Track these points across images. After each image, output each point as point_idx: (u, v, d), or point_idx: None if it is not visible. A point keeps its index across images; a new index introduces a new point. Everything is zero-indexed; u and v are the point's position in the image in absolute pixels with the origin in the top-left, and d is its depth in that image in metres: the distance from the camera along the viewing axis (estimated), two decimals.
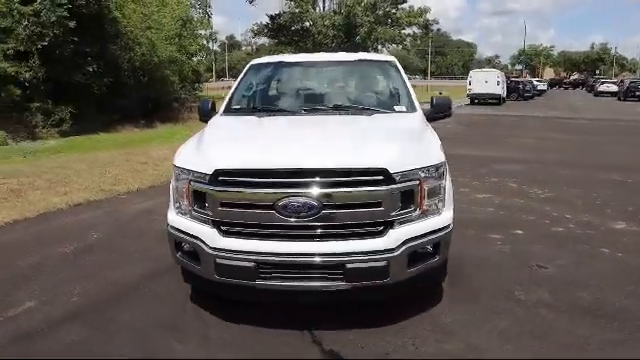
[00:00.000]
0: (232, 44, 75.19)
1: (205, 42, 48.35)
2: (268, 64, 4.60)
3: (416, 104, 3.94)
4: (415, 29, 21.28)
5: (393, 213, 2.71)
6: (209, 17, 48.91)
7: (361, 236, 2.72)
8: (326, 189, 2.64)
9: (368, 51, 22.13)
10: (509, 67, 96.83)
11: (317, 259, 2.68)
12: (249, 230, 2.78)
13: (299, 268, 2.72)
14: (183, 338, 2.89)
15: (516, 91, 32.50)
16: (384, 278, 2.71)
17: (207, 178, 2.79)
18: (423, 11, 20.69)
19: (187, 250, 3.01)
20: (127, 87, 22.20)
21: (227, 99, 4.15)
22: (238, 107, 4.07)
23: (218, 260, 2.80)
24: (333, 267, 2.69)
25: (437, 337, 2.83)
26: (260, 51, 55.15)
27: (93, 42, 19.30)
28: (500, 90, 27.95)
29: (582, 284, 3.50)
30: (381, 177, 2.66)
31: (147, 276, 3.73)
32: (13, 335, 2.94)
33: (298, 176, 2.66)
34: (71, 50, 17.97)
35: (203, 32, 47.88)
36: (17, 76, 16.53)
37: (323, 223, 2.68)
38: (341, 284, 2.71)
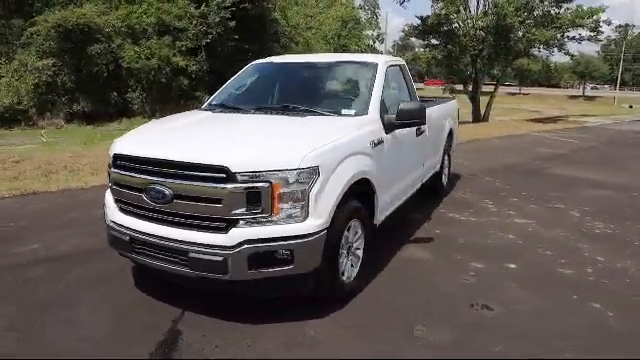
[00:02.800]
0: (405, 45, 75.33)
1: (372, 42, 49.72)
2: (262, 64, 4.79)
3: (371, 109, 3.72)
4: (582, 31, 18.53)
5: (235, 212, 2.72)
6: (377, 18, 49.92)
7: (205, 229, 2.80)
8: (176, 180, 2.82)
9: (521, 55, 20.14)
10: None
11: (167, 243, 2.87)
12: (129, 208, 3.11)
13: (156, 248, 2.95)
14: None
15: None
16: (223, 273, 2.75)
17: (110, 160, 3.22)
18: (594, 11, 17.94)
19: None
20: None
21: (214, 95, 4.51)
22: (214, 102, 4.38)
23: (109, 231, 3.23)
24: (180, 253, 2.84)
25: None
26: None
27: (253, 40, 21.65)
28: None
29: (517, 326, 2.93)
30: (223, 175, 2.71)
31: None
32: None
33: (160, 166, 2.89)
34: (232, 47, 20.51)
35: (370, 32, 49.29)
36: (186, 68, 19.58)
37: (174, 211, 2.86)
38: (188, 271, 2.85)
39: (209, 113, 4.03)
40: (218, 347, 2.79)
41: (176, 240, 2.84)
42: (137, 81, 19.55)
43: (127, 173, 3.05)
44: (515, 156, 9.69)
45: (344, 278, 3.28)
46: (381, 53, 58.05)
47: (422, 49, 23.98)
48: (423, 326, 3.04)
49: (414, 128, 4.44)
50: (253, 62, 4.83)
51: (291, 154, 2.81)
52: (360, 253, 3.51)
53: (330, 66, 4.47)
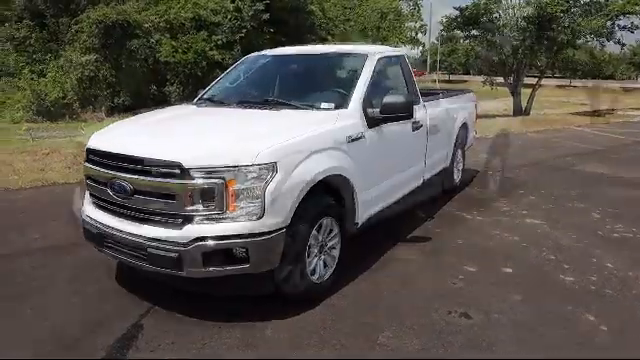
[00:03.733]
0: (450, 37, 73.21)
1: (414, 34, 48.79)
2: (256, 57, 4.69)
3: (352, 102, 3.56)
4: (635, 19, 17.27)
5: (190, 208, 2.66)
6: (419, 9, 48.77)
7: (162, 224, 2.77)
8: (134, 175, 2.80)
9: (566, 46, 19.05)
10: None
11: (130, 238, 2.86)
12: (99, 202, 3.14)
13: (121, 243, 2.94)
14: None
15: None
16: (179, 270, 2.71)
17: (85, 154, 3.25)
18: None
19: None
20: None
21: (207, 88, 4.49)
22: (205, 96, 4.34)
23: (84, 225, 3.26)
24: (139, 248, 2.83)
25: None
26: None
27: (289, 33, 21.68)
28: None
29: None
30: (177, 171, 2.65)
31: None
32: None
33: (120, 161, 2.88)
34: (267, 40, 20.60)
35: (412, 24, 48.28)
36: (222, 62, 19.86)
37: (135, 206, 2.85)
38: (148, 266, 2.83)
39: (193, 108, 4.01)
40: (174, 344, 2.76)
41: (137, 235, 2.83)
42: (174, 75, 20.04)
43: (95, 167, 3.08)
44: (546, 152, 9.16)
45: (314, 278, 3.17)
46: (423, 45, 56.69)
47: (463, 41, 23.13)
48: (390, 333, 2.88)
49: (409, 122, 4.24)
50: (249, 55, 4.77)
51: (246, 150, 2.72)
52: (336, 253, 3.39)
53: (321, 58, 4.33)
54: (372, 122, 3.61)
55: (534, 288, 3.50)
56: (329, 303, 3.22)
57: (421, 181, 4.86)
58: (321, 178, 3.03)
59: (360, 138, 3.46)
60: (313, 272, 3.17)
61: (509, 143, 10.18)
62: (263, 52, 4.76)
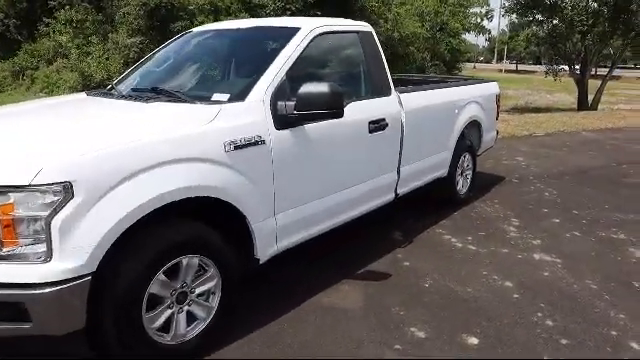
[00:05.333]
0: (521, 23, 69.04)
1: (479, 20, 45.78)
2: (183, 35, 3.77)
3: (253, 93, 2.56)
4: None
5: None
6: None
7: None
8: None
9: None
10: None
11: None
12: None
13: None
14: None
15: None
16: None
17: None
18: None
19: None
20: None
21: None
22: (115, 82, 3.51)
23: None
24: None
25: None
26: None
27: (336, 15, 20.55)
28: None
29: None
30: None
31: None
32: None
33: None
34: None
35: (478, 10, 45.28)
36: None
37: None
38: None
39: (82, 96, 3.19)
40: None
41: None
42: None
43: None
44: (598, 157, 7.54)
45: (165, 339, 2.26)
46: (489, 32, 53.15)
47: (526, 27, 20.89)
48: None
49: (365, 121, 3.19)
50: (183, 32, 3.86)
51: (26, 164, 1.84)
52: (214, 301, 2.45)
53: (242, 34, 3.32)
54: (284, 121, 2.60)
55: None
56: None
57: (392, 196, 3.77)
58: (167, 202, 2.09)
59: (257, 144, 2.47)
60: (164, 329, 2.26)
61: (557, 144, 8.60)
62: (192, 30, 3.83)
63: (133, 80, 3.37)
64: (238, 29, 3.39)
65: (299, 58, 2.83)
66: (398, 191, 3.81)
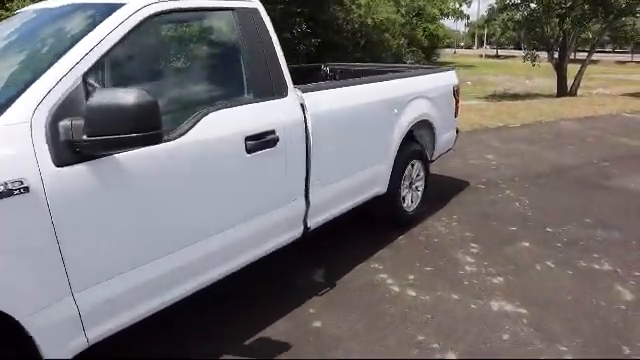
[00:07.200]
0: (500, 8, 68.46)
1: (458, 5, 44.94)
2: (11, 16, 2.72)
3: (15, 107, 1.55)
4: None
5: None
6: None
7: None
8: None
9: (625, 14, 15.70)
10: None
11: None
12: None
13: None
14: None
15: None
16: None
17: None
18: None
19: None
20: (340, 49, 21.99)
21: None
22: None
23: None
24: None
25: None
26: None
27: (306, 2, 19.44)
28: None
29: None
30: None
31: None
32: None
33: None
34: (280, 11, 18.40)
35: None
36: None
37: None
38: None
39: None
40: None
41: None
42: None
43: None
44: (578, 152, 6.64)
45: None
46: (467, 17, 52.32)
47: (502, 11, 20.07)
48: None
49: (239, 137, 2.19)
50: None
51: None
52: None
53: (59, 15, 2.24)
54: (71, 152, 1.59)
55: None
56: None
57: (299, 231, 2.78)
58: None
59: (14, 193, 1.45)
60: None
61: (533, 137, 7.70)
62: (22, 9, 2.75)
63: None
64: (50, 9, 2.32)
65: (114, 49, 1.80)
66: (309, 223, 2.82)
